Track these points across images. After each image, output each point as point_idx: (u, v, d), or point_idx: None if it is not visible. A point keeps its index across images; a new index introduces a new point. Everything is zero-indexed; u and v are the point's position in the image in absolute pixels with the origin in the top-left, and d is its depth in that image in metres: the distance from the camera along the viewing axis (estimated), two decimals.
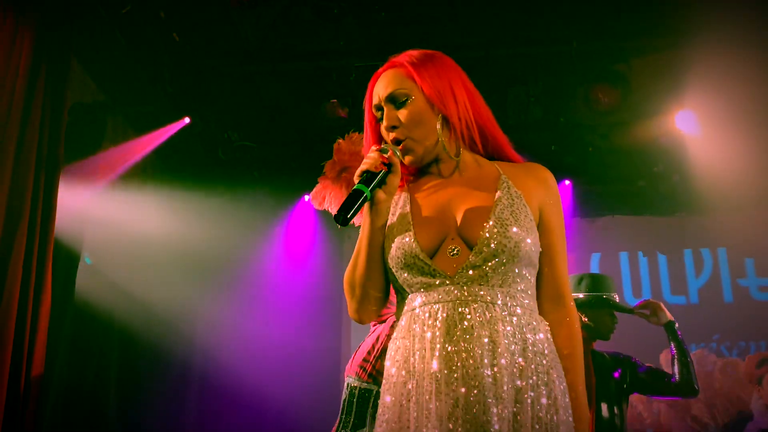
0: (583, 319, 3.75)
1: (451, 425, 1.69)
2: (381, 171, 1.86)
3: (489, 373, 1.73)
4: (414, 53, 2.02)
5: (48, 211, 4.03)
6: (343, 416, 3.17)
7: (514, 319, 1.81)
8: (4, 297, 3.68)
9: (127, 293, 5.96)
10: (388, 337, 3.12)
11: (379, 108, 2.00)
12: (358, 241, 1.93)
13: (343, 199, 3.27)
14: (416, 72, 1.98)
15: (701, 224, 7.50)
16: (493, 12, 5.49)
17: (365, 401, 3.12)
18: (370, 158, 1.87)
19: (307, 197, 6.51)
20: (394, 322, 1.96)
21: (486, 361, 1.74)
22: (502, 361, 1.74)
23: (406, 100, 1.96)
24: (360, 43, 5.67)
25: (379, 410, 1.87)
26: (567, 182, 6.99)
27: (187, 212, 6.31)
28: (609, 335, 3.75)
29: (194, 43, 5.55)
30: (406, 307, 1.88)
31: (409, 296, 1.88)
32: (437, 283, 1.83)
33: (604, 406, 3.60)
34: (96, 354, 5.88)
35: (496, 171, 1.99)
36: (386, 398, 1.85)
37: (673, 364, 3.70)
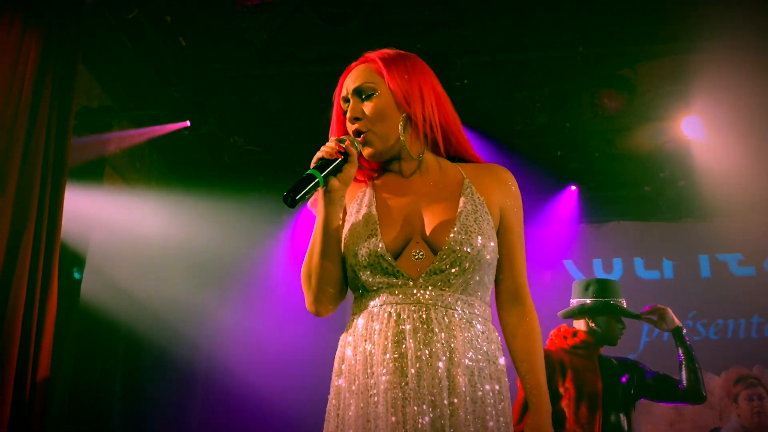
0: (590, 324, 3.75)
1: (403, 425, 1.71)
2: (336, 159, 1.87)
3: (446, 376, 1.76)
4: (388, 51, 2.07)
5: (54, 215, 4.03)
6: None
7: (471, 327, 1.84)
8: (10, 300, 3.69)
9: (133, 296, 5.96)
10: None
11: (346, 100, 2.03)
12: (313, 230, 1.93)
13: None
14: (386, 69, 2.01)
15: (708, 230, 7.48)
16: (499, 17, 5.49)
17: None
18: (327, 147, 1.89)
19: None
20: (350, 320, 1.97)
21: (441, 365, 1.76)
22: (459, 366, 1.77)
23: (372, 94, 1.99)
24: (366, 48, 5.63)
25: (333, 402, 1.88)
26: (573, 188, 6.98)
27: (192, 216, 6.31)
28: (616, 341, 3.75)
29: (200, 47, 5.56)
30: (364, 306, 1.90)
31: (368, 294, 1.89)
32: (399, 284, 1.85)
33: (610, 411, 3.59)
34: (101, 357, 5.88)
35: (460, 175, 2.01)
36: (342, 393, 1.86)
37: (680, 370, 3.69)
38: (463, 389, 1.75)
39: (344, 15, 5.12)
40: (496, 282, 1.99)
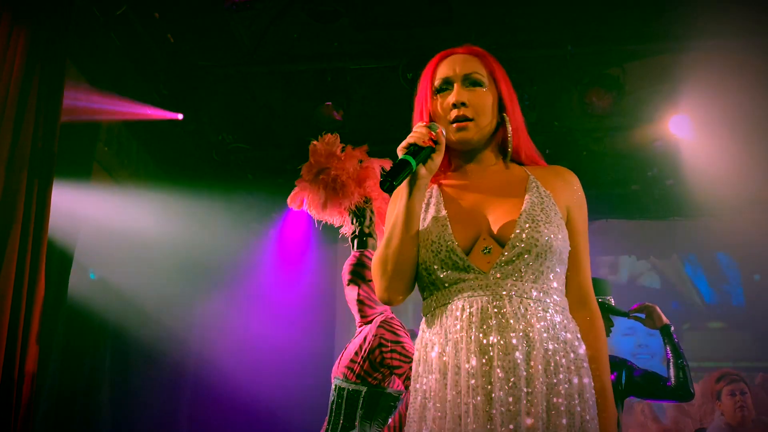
0: None
1: (488, 419, 1.72)
2: (428, 146, 1.87)
3: (524, 367, 1.76)
4: (483, 50, 2.09)
5: (42, 212, 4.00)
6: (332, 418, 3.16)
7: (548, 315, 1.84)
8: None
9: (120, 294, 5.94)
10: (376, 336, 3.11)
11: (448, 82, 2.01)
12: (394, 216, 1.92)
13: (322, 200, 3.27)
14: (497, 68, 2.06)
15: (695, 228, 7.53)
16: (488, 15, 5.50)
17: (354, 402, 3.12)
18: (418, 132, 1.88)
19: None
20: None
21: (520, 355, 1.77)
22: (537, 356, 1.77)
23: (481, 85, 2.01)
24: (355, 45, 5.66)
25: (416, 408, 1.88)
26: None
27: (180, 214, 6.29)
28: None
29: (189, 44, 5.54)
30: (437, 303, 1.90)
31: (441, 292, 1.90)
32: (472, 278, 1.85)
33: None
34: (89, 355, 5.86)
35: (525, 173, 2.04)
36: (426, 392, 1.86)
37: (668, 368, 3.71)
38: (541, 380, 1.76)
39: (334, 12, 5.12)
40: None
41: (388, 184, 1.81)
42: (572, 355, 1.83)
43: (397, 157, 1.85)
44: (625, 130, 6.40)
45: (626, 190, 7.20)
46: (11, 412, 3.65)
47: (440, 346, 1.85)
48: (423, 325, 1.97)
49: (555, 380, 1.77)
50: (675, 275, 8.76)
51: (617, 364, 3.80)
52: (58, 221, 4.43)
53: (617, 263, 8.52)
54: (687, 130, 6.11)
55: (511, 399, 1.73)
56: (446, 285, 1.88)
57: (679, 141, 6.26)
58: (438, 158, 1.90)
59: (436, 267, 1.89)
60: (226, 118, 6.35)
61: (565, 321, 1.87)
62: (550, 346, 1.80)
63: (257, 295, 7.17)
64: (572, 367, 1.81)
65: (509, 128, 2.03)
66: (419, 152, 1.86)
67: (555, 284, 1.90)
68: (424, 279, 1.93)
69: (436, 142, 1.89)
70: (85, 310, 5.54)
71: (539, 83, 5.86)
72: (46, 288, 4.00)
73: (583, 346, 1.88)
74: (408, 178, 1.87)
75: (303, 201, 3.25)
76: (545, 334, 1.81)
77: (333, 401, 3.19)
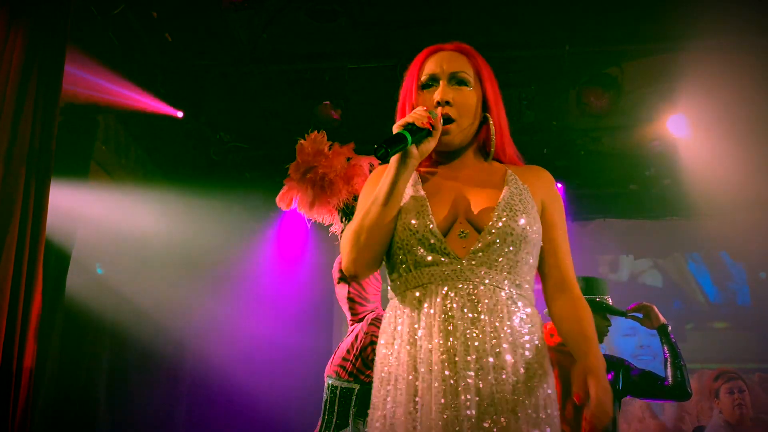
0: None
1: (456, 403, 1.74)
2: (425, 129, 1.88)
3: (493, 357, 1.79)
4: (471, 47, 2.10)
5: (39, 211, 4.00)
6: (326, 416, 3.16)
7: (516, 307, 1.87)
8: None
9: (118, 293, 5.94)
10: (367, 334, 3.12)
11: (434, 79, 2.02)
12: (377, 190, 1.91)
13: (310, 199, 3.26)
14: (484, 67, 2.06)
15: (692, 228, 7.54)
16: (486, 15, 5.50)
17: (347, 400, 3.12)
18: (418, 114, 1.89)
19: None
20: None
21: (488, 345, 1.79)
22: (504, 345, 1.80)
23: (467, 85, 2.02)
24: (353, 45, 5.67)
25: (380, 383, 1.90)
26: (559, 185, 7.00)
27: (178, 213, 6.29)
28: (602, 338, 3.76)
29: (187, 43, 5.54)
30: (410, 284, 1.91)
31: (413, 274, 1.90)
32: (446, 262, 1.87)
33: None
34: (87, 354, 5.86)
35: (504, 168, 2.06)
36: (389, 371, 1.88)
37: (666, 367, 3.71)
38: (509, 369, 1.79)
39: (332, 12, 5.12)
40: (543, 275, 2.02)
41: (383, 151, 1.81)
42: (536, 348, 1.86)
43: (392, 133, 1.86)
44: (623, 130, 6.41)
45: (624, 190, 7.22)
46: (9, 410, 3.65)
47: (409, 330, 1.85)
48: (392, 306, 1.96)
49: (520, 369, 1.80)
50: (677, 273, 8.65)
51: (614, 363, 3.80)
52: (55, 220, 4.43)
53: (617, 261, 8.51)
54: (684, 129, 6.12)
55: (475, 390, 1.75)
56: (420, 266, 1.89)
57: (677, 140, 6.27)
58: (431, 144, 1.91)
59: (412, 246, 1.89)
60: (224, 118, 6.36)
61: (532, 315, 1.91)
62: (519, 339, 1.83)
63: (255, 294, 7.17)
64: (535, 360, 1.85)
65: (492, 129, 2.04)
66: (416, 132, 1.86)
67: (528, 277, 1.93)
68: (397, 258, 1.93)
69: (433, 127, 1.90)
70: (83, 308, 5.54)
71: (537, 83, 5.87)
72: (44, 286, 3.99)
73: (543, 342, 1.90)
74: (399, 154, 1.87)
75: (292, 200, 3.24)
76: (515, 325, 1.84)
77: (326, 399, 3.19)
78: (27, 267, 3.86)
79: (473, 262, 1.86)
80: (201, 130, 6.23)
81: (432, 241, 1.87)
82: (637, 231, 7.72)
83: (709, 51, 5.48)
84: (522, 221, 1.90)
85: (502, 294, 1.86)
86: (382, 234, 1.90)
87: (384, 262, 1.99)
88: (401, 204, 1.94)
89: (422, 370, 1.79)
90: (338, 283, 3.31)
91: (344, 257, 1.93)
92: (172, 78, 5.59)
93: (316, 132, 3.33)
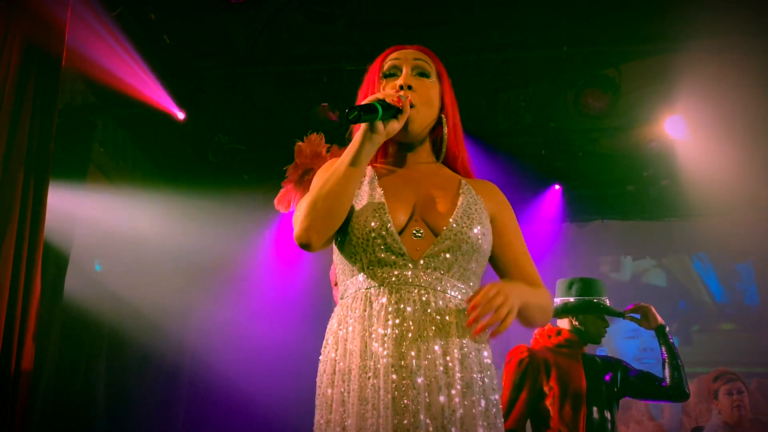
0: (573, 322, 3.77)
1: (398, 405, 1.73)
2: (394, 107, 1.88)
3: (441, 362, 1.78)
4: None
5: (38, 213, 4.00)
6: None
7: (463, 315, 1.87)
8: None
9: (117, 295, 5.93)
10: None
11: (397, 68, 2.05)
12: (337, 162, 1.90)
13: None
14: (444, 71, 2.10)
15: (690, 228, 7.54)
16: (484, 17, 5.51)
17: None
18: (388, 92, 1.91)
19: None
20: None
21: (438, 348, 1.79)
22: (454, 350, 1.80)
23: (429, 76, 2.05)
24: (352, 46, 5.67)
25: (327, 378, 1.88)
26: (557, 187, 7.01)
27: (176, 214, 6.29)
28: (600, 339, 3.77)
29: (185, 45, 5.54)
30: (362, 284, 1.89)
31: (367, 272, 1.88)
32: (400, 264, 1.86)
33: (595, 410, 3.61)
34: (85, 356, 5.85)
35: (457, 177, 2.08)
36: (338, 367, 1.86)
37: (663, 368, 3.72)
38: (458, 376, 1.78)
39: (331, 13, 5.11)
40: (508, 275, 2.03)
41: (355, 114, 1.81)
42: (480, 357, 1.86)
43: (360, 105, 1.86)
44: (621, 131, 6.41)
45: (622, 191, 7.22)
46: (8, 412, 3.65)
47: (361, 332, 1.83)
48: (344, 306, 1.93)
49: (469, 377, 1.80)
50: (682, 272, 8.49)
51: (612, 364, 3.81)
52: (54, 222, 4.43)
53: (618, 261, 8.47)
54: (682, 130, 6.12)
55: (426, 393, 1.74)
56: (373, 266, 1.87)
57: (675, 142, 6.28)
58: (397, 125, 1.90)
59: (368, 245, 1.87)
60: (223, 119, 6.35)
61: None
62: (465, 346, 1.83)
63: (254, 296, 7.16)
64: (481, 369, 1.85)
65: (446, 128, 2.06)
66: (387, 108, 1.86)
67: (473, 283, 1.95)
68: (351, 257, 1.91)
69: (401, 109, 1.90)
70: (81, 311, 5.54)
71: (535, 84, 5.87)
72: (42, 288, 3.99)
73: (488, 352, 1.91)
74: (367, 125, 1.87)
75: (290, 202, 3.24)
76: (460, 331, 1.83)
77: None
78: (25, 269, 3.86)
79: (427, 267, 1.86)
80: (199, 131, 6.23)
81: (388, 240, 1.86)
82: (635, 232, 7.71)
83: (707, 52, 5.49)
84: (476, 230, 1.91)
85: (453, 302, 1.86)
86: (338, 205, 1.86)
87: (337, 262, 1.98)
88: (358, 201, 1.94)
89: (370, 374, 1.78)
90: (336, 285, 3.31)
91: (297, 225, 1.88)
92: (170, 79, 5.59)
93: (314, 134, 3.32)
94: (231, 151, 6.52)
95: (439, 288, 1.85)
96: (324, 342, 1.96)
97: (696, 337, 8.16)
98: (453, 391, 1.76)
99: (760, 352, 7.66)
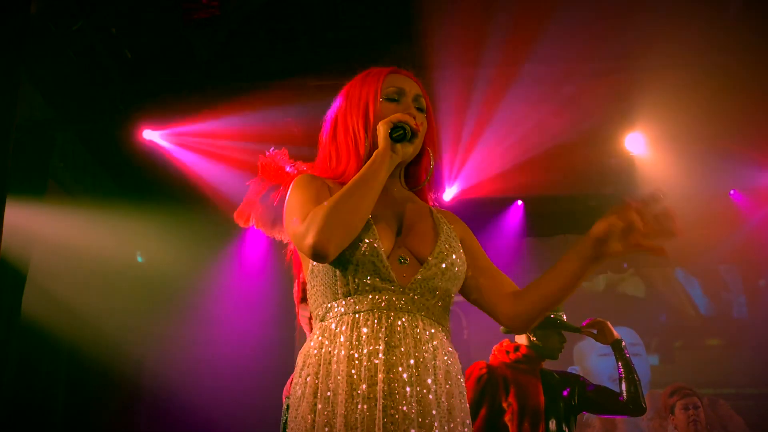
0: (531, 338, 3.79)
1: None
2: (416, 132, 1.90)
3: (434, 389, 1.78)
4: None
5: None
6: None
7: (444, 343, 1.88)
8: None
9: (76, 314, 5.85)
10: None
11: (401, 93, 2.02)
12: (358, 179, 1.83)
13: (272, 217, 3.24)
14: (430, 105, 2.09)
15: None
16: (444, 34, 5.54)
17: None
18: (408, 118, 1.90)
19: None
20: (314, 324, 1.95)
21: (428, 378, 1.78)
22: (441, 378, 1.81)
23: (424, 113, 2.05)
24: (315, 62, 5.67)
25: (307, 403, 1.80)
26: (519, 202, 7.06)
27: (137, 230, 6.23)
28: (557, 354, 3.79)
29: (146, 60, 5.50)
30: (348, 307, 1.84)
31: (355, 298, 1.84)
32: (390, 289, 1.84)
33: (553, 425, 3.63)
34: (43, 375, 5.77)
35: (428, 206, 2.10)
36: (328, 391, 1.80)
37: (620, 383, 3.76)
38: (445, 405, 1.79)
39: (292, 31, 5.12)
40: (501, 293, 2.01)
41: (401, 132, 1.85)
42: (461, 382, 1.88)
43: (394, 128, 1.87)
44: (582, 147, 6.48)
45: (583, 207, 7.29)
46: None
47: (347, 357, 1.78)
48: (326, 330, 1.87)
49: (450, 404, 1.81)
50: (662, 281, 8.06)
51: (569, 380, 3.84)
52: (11, 239, 4.37)
53: None
54: (642, 147, 6.22)
55: (416, 421, 1.73)
56: (362, 291, 1.84)
57: (635, 158, 6.37)
58: (411, 150, 1.92)
59: (358, 268, 1.84)
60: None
61: (451, 349, 1.92)
62: (450, 373, 1.84)
63: (214, 313, 7.10)
64: (459, 393, 1.86)
65: (433, 161, 2.06)
66: (410, 130, 1.89)
67: (447, 312, 1.95)
68: (336, 279, 1.86)
69: (416, 134, 1.91)
70: (40, 329, 5.46)
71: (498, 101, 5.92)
72: None
73: (462, 376, 1.92)
74: (387, 147, 1.87)
75: (250, 217, 3.22)
76: (446, 360, 1.84)
77: (284, 420, 3.17)
78: None
79: (413, 294, 1.85)
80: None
81: (378, 265, 1.84)
82: None
83: (667, 70, 5.58)
84: (458, 258, 1.93)
85: (437, 328, 1.87)
86: (359, 221, 1.81)
87: (314, 282, 1.92)
88: None
89: (358, 400, 1.74)
90: (301, 302, 3.29)
91: (312, 235, 1.75)
92: (132, 94, 5.55)
93: (278, 149, 3.31)
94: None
95: (424, 314, 1.85)
96: (300, 364, 1.88)
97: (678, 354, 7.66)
98: (442, 420, 1.76)
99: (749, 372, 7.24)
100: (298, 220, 1.82)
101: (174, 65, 5.65)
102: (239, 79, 5.75)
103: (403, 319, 1.82)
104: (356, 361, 1.77)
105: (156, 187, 6.63)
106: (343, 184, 1.91)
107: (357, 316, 1.83)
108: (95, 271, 6.00)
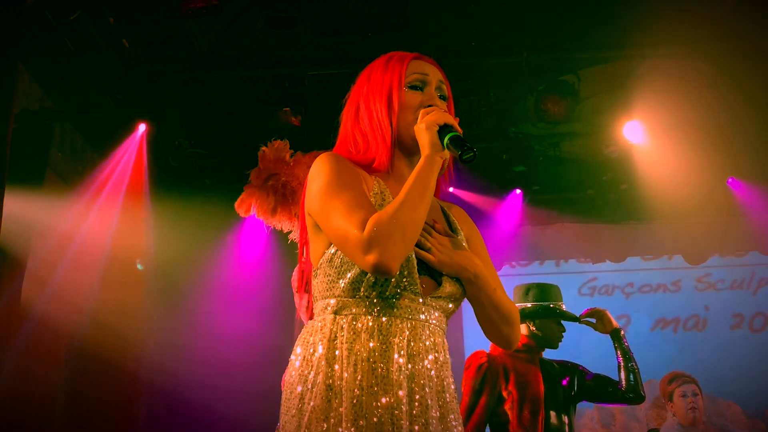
0: (531, 328, 3.80)
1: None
2: (459, 133, 1.81)
3: (447, 398, 1.81)
4: None
5: None
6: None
7: (447, 353, 1.89)
8: None
9: (75, 303, 5.86)
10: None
11: (424, 82, 1.97)
12: (411, 189, 1.75)
13: (271, 206, 3.25)
14: (451, 94, 2.05)
15: (648, 232, 7.64)
16: (446, 22, 5.54)
17: None
18: (449, 117, 1.84)
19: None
20: (313, 324, 1.92)
21: (446, 394, 1.81)
22: (451, 387, 1.83)
23: (446, 101, 2.02)
24: (313, 51, 5.67)
25: (319, 407, 1.74)
26: (518, 191, 7.07)
27: (136, 220, 6.23)
28: (557, 344, 3.80)
29: (144, 49, 5.50)
30: (370, 308, 1.79)
31: (380, 300, 1.79)
32: (413, 298, 1.81)
33: (552, 414, 3.64)
34: (43, 366, 5.77)
35: (440, 205, 2.07)
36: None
37: (619, 371, 3.77)
38: (453, 412, 1.81)
39: (291, 19, 5.11)
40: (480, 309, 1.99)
41: (471, 154, 1.76)
42: (452, 387, 1.88)
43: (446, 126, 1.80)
44: (580, 136, 6.49)
45: (581, 195, 7.31)
46: None
47: (368, 357, 1.75)
48: (338, 326, 1.81)
49: (452, 407, 1.83)
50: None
51: (569, 368, 3.85)
52: (10, 228, 4.37)
53: (572, 266, 8.53)
54: (640, 135, 6.22)
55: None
56: (386, 296, 1.79)
57: (633, 146, 6.37)
58: (448, 153, 1.84)
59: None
60: (183, 124, 6.30)
61: (450, 360, 1.92)
62: (447, 382, 1.84)
63: (214, 302, 7.11)
64: (454, 401, 1.86)
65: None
66: (456, 136, 1.80)
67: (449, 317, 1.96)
68: (360, 280, 1.79)
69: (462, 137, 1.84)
70: (39, 319, 5.46)
71: (496, 90, 5.92)
72: None
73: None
74: (436, 149, 1.80)
75: (251, 206, 3.22)
76: (449, 367, 1.87)
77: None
78: None
79: (432, 304, 1.84)
80: (160, 136, 6.18)
81: (404, 272, 1.79)
82: (595, 235, 7.80)
83: (664, 58, 5.59)
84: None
85: (444, 338, 1.88)
86: (418, 234, 1.77)
87: (325, 272, 1.86)
88: None
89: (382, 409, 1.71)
90: (298, 292, 3.29)
91: (382, 252, 1.66)
92: (130, 84, 5.54)
93: (278, 140, 3.31)
94: (192, 156, 6.48)
95: (434, 322, 1.84)
96: (304, 361, 1.83)
97: None
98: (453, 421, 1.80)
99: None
100: (353, 225, 1.70)
101: (172, 55, 5.64)
102: (238, 68, 5.75)
103: (425, 334, 1.81)
104: (381, 367, 1.74)
105: (155, 176, 6.63)
106: (373, 170, 1.92)
107: (380, 320, 1.79)
108: (94, 262, 5.99)
